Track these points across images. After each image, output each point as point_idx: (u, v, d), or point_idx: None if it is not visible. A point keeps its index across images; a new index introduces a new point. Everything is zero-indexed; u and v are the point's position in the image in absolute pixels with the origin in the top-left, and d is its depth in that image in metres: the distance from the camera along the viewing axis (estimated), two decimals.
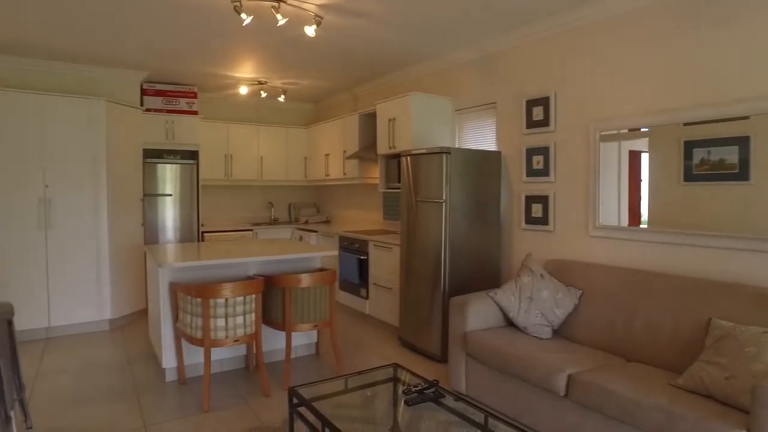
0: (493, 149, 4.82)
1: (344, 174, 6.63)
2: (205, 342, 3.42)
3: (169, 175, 6.13)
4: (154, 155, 6.01)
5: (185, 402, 3.52)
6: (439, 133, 5.24)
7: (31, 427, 3.05)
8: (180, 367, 3.86)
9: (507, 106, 4.68)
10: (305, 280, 3.76)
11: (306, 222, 7.48)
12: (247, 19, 3.72)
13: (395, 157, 5.33)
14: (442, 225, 4.28)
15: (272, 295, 3.92)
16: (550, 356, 3.05)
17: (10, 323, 2.80)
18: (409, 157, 4.62)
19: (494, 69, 4.82)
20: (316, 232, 6.68)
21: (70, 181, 5.03)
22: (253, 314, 3.59)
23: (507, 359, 3.17)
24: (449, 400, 2.60)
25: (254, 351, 4.07)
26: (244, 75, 6.08)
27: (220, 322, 3.44)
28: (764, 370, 2.30)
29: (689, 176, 3.24)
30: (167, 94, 6.31)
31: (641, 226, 3.58)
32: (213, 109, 7.29)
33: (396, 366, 3.04)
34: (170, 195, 6.13)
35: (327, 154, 7.08)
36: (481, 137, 5.05)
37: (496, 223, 4.59)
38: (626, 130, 3.69)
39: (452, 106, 5.30)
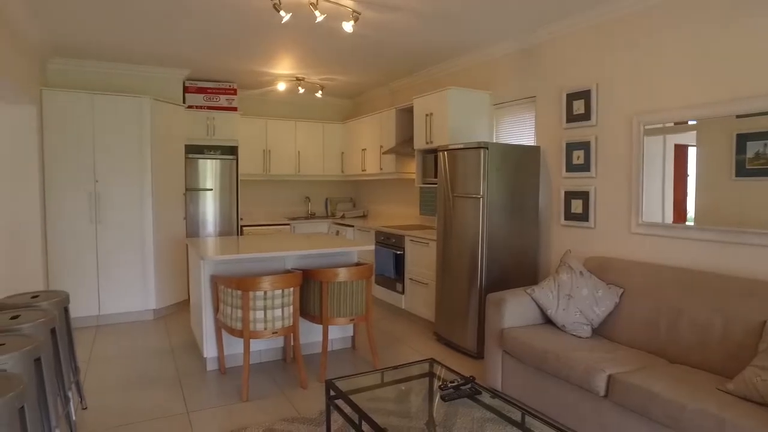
0: (532, 144, 4.73)
1: (381, 169, 6.65)
2: (245, 333, 3.51)
3: (209, 171, 6.26)
4: (195, 151, 6.17)
5: (225, 391, 3.63)
6: (477, 128, 5.18)
7: (86, 408, 3.23)
8: (220, 357, 3.98)
9: (546, 99, 4.58)
10: (342, 274, 3.80)
11: (342, 216, 7.55)
12: (286, 16, 3.77)
13: (432, 152, 5.30)
14: (480, 220, 4.24)
15: (310, 289, 3.98)
16: (590, 355, 2.99)
17: (66, 310, 2.96)
18: (446, 152, 4.59)
19: (533, 62, 4.72)
20: (352, 226, 6.73)
21: (118, 176, 5.23)
22: (291, 307, 3.66)
23: (544, 357, 3.12)
24: (485, 397, 2.59)
25: (292, 343, 4.15)
26: (282, 71, 6.17)
27: (259, 314, 3.52)
28: None
29: (741, 171, 3.10)
30: (208, 91, 6.45)
31: (687, 223, 3.44)
32: (252, 106, 7.42)
33: (432, 361, 3.05)
34: (210, 190, 6.27)
35: (364, 149, 7.11)
36: (520, 132, 4.96)
37: (534, 219, 4.52)
38: (672, 124, 3.55)
39: (490, 101, 5.22)
